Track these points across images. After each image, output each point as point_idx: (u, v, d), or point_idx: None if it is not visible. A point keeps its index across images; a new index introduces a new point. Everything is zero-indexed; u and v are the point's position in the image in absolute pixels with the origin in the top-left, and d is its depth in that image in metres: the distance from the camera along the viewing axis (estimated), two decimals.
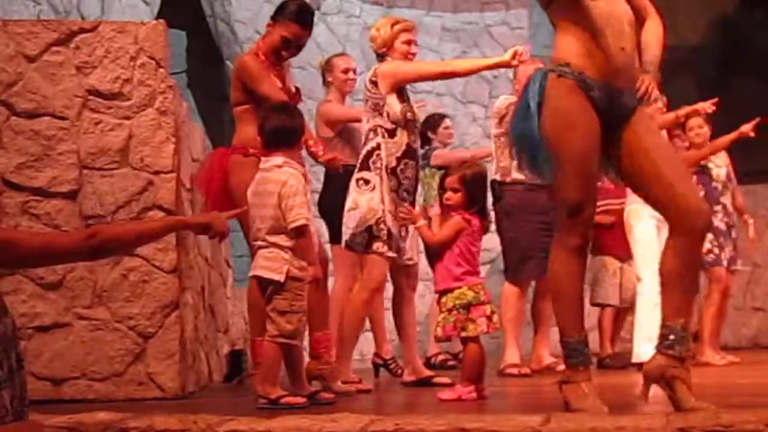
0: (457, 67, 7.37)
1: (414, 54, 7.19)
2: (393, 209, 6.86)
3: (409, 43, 7.14)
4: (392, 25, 7.19)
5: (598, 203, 9.35)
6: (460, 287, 6.08)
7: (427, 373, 7.26)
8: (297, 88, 6.98)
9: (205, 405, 6.01)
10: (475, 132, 12.75)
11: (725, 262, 9.46)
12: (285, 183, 5.85)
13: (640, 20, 5.24)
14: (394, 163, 6.88)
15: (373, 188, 6.86)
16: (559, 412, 4.71)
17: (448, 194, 6.23)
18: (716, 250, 9.37)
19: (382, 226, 6.82)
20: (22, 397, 4.14)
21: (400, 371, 7.82)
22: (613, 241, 9.16)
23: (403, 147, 6.93)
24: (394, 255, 6.87)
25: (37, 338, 6.46)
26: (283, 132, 6.01)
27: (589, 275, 9.45)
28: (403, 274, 7.26)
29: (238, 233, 6.92)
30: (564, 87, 4.97)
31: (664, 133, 7.61)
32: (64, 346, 6.47)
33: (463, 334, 6.07)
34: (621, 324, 9.66)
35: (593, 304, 9.48)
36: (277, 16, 6.82)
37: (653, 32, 5.22)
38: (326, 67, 8.16)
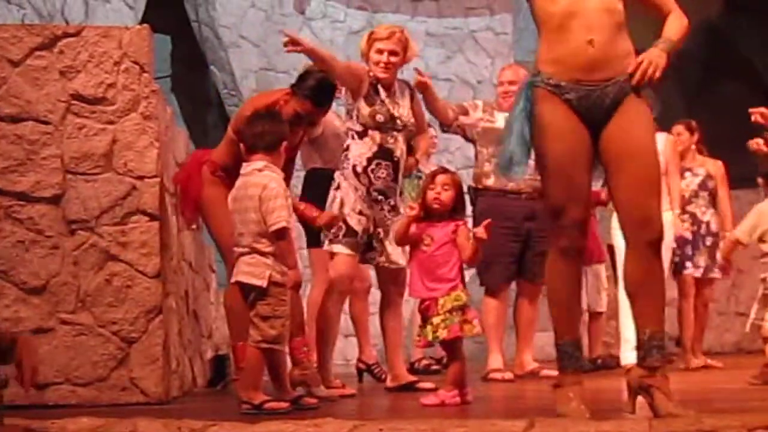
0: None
1: (387, 62, 7.16)
2: (364, 208, 6.95)
3: (380, 52, 7.17)
4: (369, 36, 7.27)
5: None
6: (456, 290, 6.09)
7: (410, 378, 7.26)
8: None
9: (188, 410, 6.00)
10: (458, 137, 12.74)
11: (689, 270, 9.51)
12: (266, 186, 5.83)
13: (661, 18, 5.14)
14: (364, 164, 7.00)
15: (338, 187, 7.08)
16: (542, 417, 4.72)
17: (438, 190, 6.19)
18: (676, 259, 9.42)
19: (342, 224, 6.96)
20: None
21: (384, 376, 7.83)
22: None
23: (375, 148, 7.02)
24: (351, 252, 6.99)
25: None
26: (265, 136, 5.99)
27: None
28: (390, 281, 7.27)
29: None
30: (539, 95, 4.97)
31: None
32: (48, 351, 6.44)
33: (460, 334, 6.08)
34: (596, 329, 9.67)
35: None
36: (296, 87, 6.86)
37: (673, 20, 5.11)
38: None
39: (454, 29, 13.62)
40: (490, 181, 8.30)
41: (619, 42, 4.96)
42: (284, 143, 6.02)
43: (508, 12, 13.82)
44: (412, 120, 7.30)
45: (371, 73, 7.15)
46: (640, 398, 5.08)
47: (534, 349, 8.67)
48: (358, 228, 6.97)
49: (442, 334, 6.09)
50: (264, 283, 5.78)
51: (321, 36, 12.29)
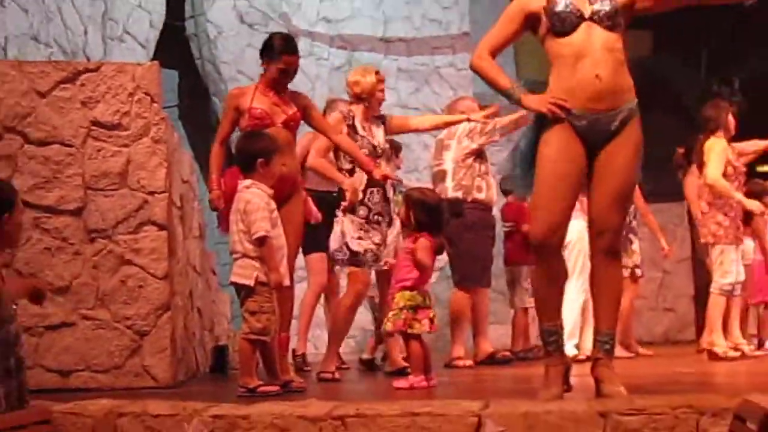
0: None
1: (384, 98, 7.49)
2: (363, 233, 6.96)
3: (383, 90, 7.43)
4: (376, 74, 7.42)
5: (509, 223, 9.40)
6: (412, 291, 6.12)
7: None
8: (301, 107, 6.58)
9: (193, 393, 5.99)
10: (426, 157, 12.73)
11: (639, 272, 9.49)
12: (249, 201, 5.86)
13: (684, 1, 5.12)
14: (361, 196, 6.97)
15: (338, 222, 7.12)
16: (496, 399, 4.73)
17: (399, 210, 6.48)
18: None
19: (346, 250, 7.04)
20: (20, 394, 4.12)
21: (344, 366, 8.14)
22: (518, 252, 9.17)
23: (365, 179, 6.98)
24: (358, 268, 7.06)
25: (48, 336, 6.43)
26: (241, 159, 6.05)
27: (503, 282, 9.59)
28: (385, 281, 7.24)
29: (224, 244, 6.90)
30: (549, 120, 4.92)
31: None
32: (71, 342, 6.44)
33: (410, 330, 6.12)
34: (520, 324, 9.59)
35: (511, 307, 9.51)
36: (268, 54, 6.49)
37: None
38: (329, 106, 8.15)
39: (421, 65, 13.63)
40: (481, 195, 8.32)
41: (621, 77, 4.95)
42: (262, 159, 5.93)
43: (468, 51, 13.82)
44: (386, 145, 7.36)
45: (348, 116, 7.21)
46: (578, 380, 5.11)
47: (489, 339, 8.68)
48: (359, 249, 7.02)
49: (388, 326, 6.20)
50: (251, 283, 5.80)
51: (307, 71, 12.27)
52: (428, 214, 6.24)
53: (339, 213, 7.11)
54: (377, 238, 7.04)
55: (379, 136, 7.29)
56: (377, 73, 7.46)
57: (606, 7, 4.94)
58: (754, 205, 8.27)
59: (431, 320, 6.16)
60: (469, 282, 8.37)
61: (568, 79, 4.92)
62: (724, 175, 8.14)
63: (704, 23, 14.37)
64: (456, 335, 8.34)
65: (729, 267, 8.21)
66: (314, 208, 7.03)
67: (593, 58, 4.88)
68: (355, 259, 7.03)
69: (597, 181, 4.97)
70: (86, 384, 6.38)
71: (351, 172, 7.09)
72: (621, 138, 4.94)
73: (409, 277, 6.16)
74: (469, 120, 8.05)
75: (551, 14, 4.94)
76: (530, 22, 5.04)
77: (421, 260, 6.14)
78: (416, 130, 8.24)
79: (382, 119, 7.45)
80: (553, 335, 5.01)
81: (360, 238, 7.01)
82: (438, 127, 8.37)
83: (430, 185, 8.56)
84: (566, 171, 4.90)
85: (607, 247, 5.01)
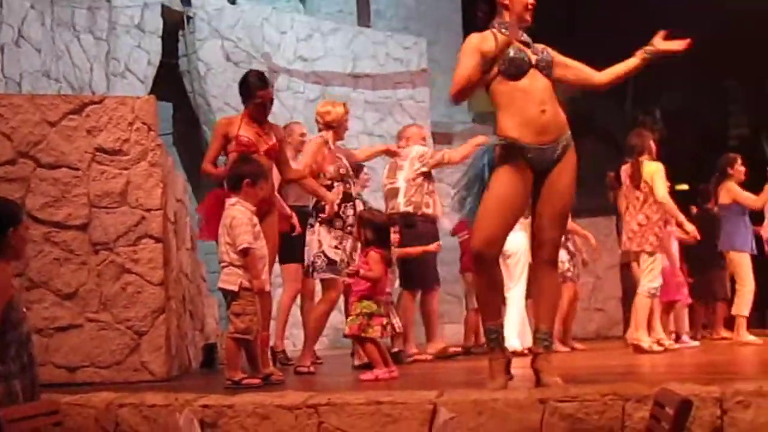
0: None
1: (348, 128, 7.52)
2: (338, 243, 6.91)
3: (348, 120, 7.43)
4: (344, 106, 7.42)
5: (463, 233, 9.41)
6: (369, 299, 6.16)
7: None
8: (278, 139, 6.57)
9: (185, 386, 5.95)
10: None
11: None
12: (234, 217, 5.86)
13: (590, 84, 5.19)
14: (336, 208, 6.95)
15: (313, 232, 7.03)
16: (450, 389, 4.73)
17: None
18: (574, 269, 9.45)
19: (324, 258, 6.92)
20: (33, 387, 4.09)
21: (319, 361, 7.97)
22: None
23: (341, 195, 6.98)
24: (336, 276, 6.93)
25: (57, 336, 6.37)
26: (230, 179, 6.03)
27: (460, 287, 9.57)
28: (349, 287, 7.20)
29: (213, 255, 6.88)
30: (503, 152, 4.94)
31: None
32: (78, 342, 6.39)
33: (363, 334, 6.21)
34: (471, 322, 9.56)
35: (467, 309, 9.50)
36: (244, 91, 6.52)
37: (611, 70, 5.17)
38: (286, 128, 8.13)
39: (386, 98, 13.66)
40: (429, 210, 8.32)
41: (560, 113, 5.04)
42: (248, 180, 5.93)
43: (426, 86, 13.91)
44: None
45: (327, 140, 7.20)
46: (522, 371, 5.12)
47: (444, 336, 8.67)
48: (336, 258, 6.94)
49: (346, 330, 6.31)
50: (236, 288, 5.79)
51: (285, 103, 12.28)
52: (375, 232, 6.31)
53: (315, 223, 7.03)
54: (349, 245, 7.01)
55: (345, 159, 7.30)
56: (344, 105, 7.47)
57: (546, 58, 5.08)
58: (690, 228, 8.39)
59: (384, 327, 6.21)
60: (419, 285, 8.37)
61: (519, 116, 4.95)
62: None
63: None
64: (408, 334, 8.31)
65: (658, 273, 8.26)
66: (296, 222, 7.02)
67: (538, 98, 4.96)
68: (332, 267, 6.95)
69: (541, 201, 5.02)
70: (91, 378, 6.32)
71: (329, 188, 7.06)
72: (561, 164, 5.01)
73: (364, 287, 6.20)
74: (389, 151, 8.18)
75: (506, 59, 4.97)
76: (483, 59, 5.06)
77: (367, 274, 6.18)
78: (361, 160, 8.15)
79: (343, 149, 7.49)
80: (494, 333, 5.04)
81: (336, 247, 6.97)
82: (370, 158, 8.56)
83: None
84: (512, 196, 4.92)
85: (547, 257, 5.04)
